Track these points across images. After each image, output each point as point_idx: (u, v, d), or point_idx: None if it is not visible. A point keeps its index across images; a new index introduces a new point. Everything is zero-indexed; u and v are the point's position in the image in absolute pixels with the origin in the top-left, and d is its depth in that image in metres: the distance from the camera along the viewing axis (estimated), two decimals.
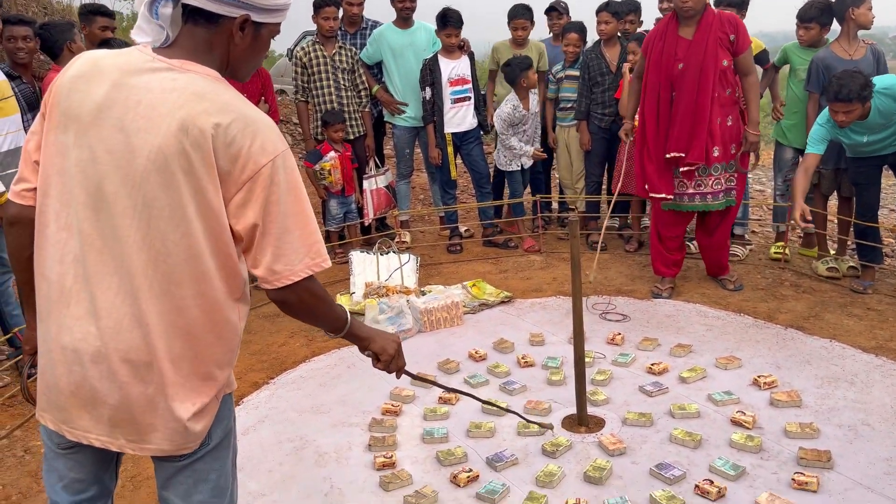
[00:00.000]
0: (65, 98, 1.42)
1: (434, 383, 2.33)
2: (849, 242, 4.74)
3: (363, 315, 4.07)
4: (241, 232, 1.42)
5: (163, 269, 1.40)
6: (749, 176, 5.02)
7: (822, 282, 4.49)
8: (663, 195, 4.24)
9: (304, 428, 3.10)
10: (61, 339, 1.45)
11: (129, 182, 1.38)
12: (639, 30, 5.53)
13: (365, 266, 4.49)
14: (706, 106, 4.03)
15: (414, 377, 2.01)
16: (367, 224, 5.61)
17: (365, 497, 2.61)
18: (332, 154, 5.26)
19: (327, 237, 5.52)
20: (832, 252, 4.78)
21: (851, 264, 4.53)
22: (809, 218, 4.04)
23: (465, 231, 5.87)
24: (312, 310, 1.54)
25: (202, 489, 1.57)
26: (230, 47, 1.48)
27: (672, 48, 4.10)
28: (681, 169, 4.16)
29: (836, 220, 4.75)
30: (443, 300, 4.17)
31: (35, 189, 1.47)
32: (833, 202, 5.05)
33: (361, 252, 4.59)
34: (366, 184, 5.43)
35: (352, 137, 5.43)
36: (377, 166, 5.55)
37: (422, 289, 4.49)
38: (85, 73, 1.43)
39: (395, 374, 1.83)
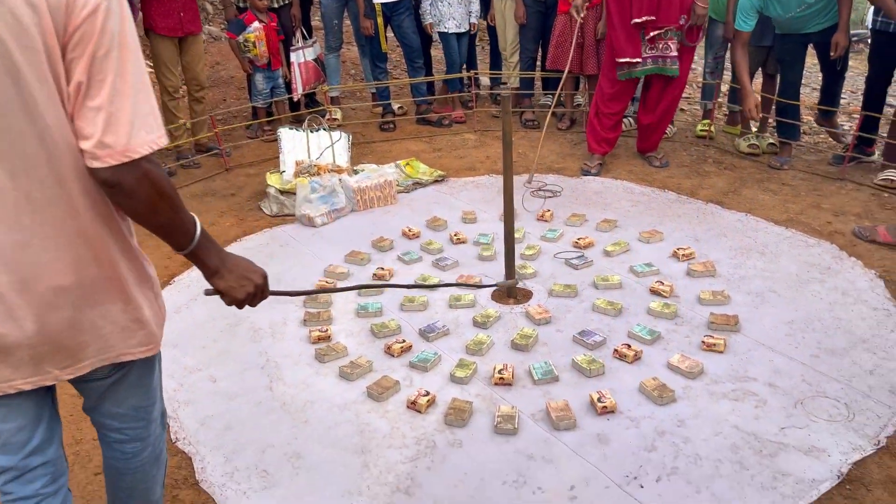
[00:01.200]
0: None
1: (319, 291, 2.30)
2: (770, 120, 4.88)
3: (294, 194, 4.02)
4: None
5: (34, 175, 1.20)
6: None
7: (743, 158, 4.65)
8: (629, 59, 4.21)
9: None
10: None
11: None
12: None
13: (294, 144, 4.38)
14: None
15: (286, 293, 1.88)
16: (295, 100, 5.43)
17: (301, 369, 2.69)
18: (256, 24, 4.99)
19: (254, 113, 5.34)
20: (754, 129, 4.92)
21: (771, 141, 4.69)
22: (759, 112, 4.19)
23: (398, 108, 5.76)
24: (153, 203, 1.25)
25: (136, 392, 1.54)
26: None
27: None
28: (648, 35, 4.12)
29: (759, 98, 4.86)
30: (376, 179, 4.15)
31: None
32: (758, 80, 5.14)
33: (290, 129, 4.47)
34: (293, 56, 5.21)
35: (276, 6, 5.14)
36: (304, 38, 5.30)
37: (354, 167, 4.44)
38: None
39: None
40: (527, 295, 3.13)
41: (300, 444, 2.30)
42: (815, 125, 5.17)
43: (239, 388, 2.60)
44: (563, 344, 2.77)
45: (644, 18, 4.10)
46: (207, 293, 1.52)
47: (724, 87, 5.27)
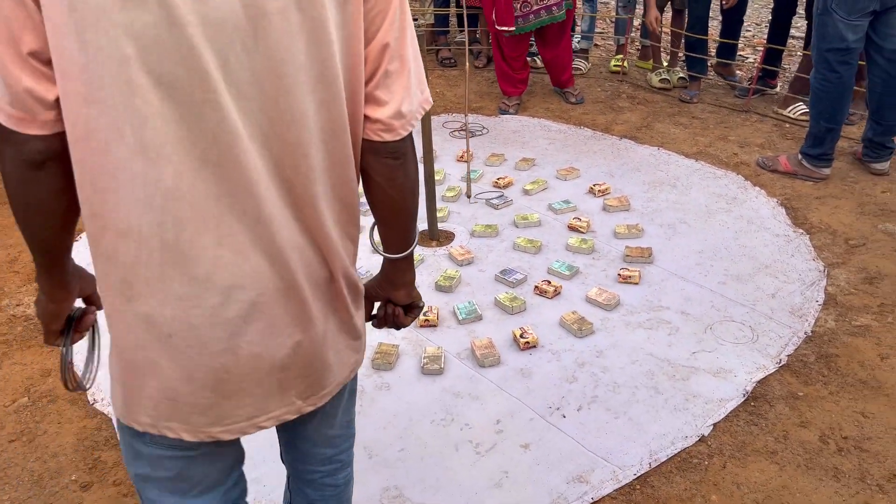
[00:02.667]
0: None
1: None
2: (679, 55, 4.98)
3: None
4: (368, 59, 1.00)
5: (318, 151, 0.98)
6: None
7: (655, 93, 4.75)
8: (507, 28, 4.20)
9: None
10: (182, 317, 0.95)
11: (235, 42, 0.87)
12: None
13: None
14: None
15: None
16: None
17: None
18: None
19: None
20: (665, 64, 5.02)
21: (681, 75, 4.80)
22: (661, 26, 4.27)
23: None
24: (415, 170, 1.11)
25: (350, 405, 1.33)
26: None
27: None
28: None
29: (669, 33, 4.94)
30: None
31: (57, 102, 0.87)
32: (668, 14, 5.21)
33: None
34: None
35: None
36: None
37: None
38: None
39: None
40: (449, 237, 3.15)
41: None
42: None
43: None
44: (486, 283, 2.81)
45: None
46: (376, 320, 1.27)
47: (637, 22, 5.32)
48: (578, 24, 5.49)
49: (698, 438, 2.07)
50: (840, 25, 3.18)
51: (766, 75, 4.53)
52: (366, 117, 1.03)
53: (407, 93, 1.03)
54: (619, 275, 2.78)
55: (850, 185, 3.45)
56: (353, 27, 0.95)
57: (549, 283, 2.73)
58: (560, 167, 3.69)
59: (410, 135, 1.06)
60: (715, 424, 2.11)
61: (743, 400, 2.20)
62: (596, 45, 5.77)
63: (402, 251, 1.18)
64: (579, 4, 5.17)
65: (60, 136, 0.89)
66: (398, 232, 1.16)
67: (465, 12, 3.46)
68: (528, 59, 4.75)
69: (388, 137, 1.04)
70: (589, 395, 2.23)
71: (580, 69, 5.09)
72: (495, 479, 1.96)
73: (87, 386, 1.22)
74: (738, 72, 4.86)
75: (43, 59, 0.84)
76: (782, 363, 2.34)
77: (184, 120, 0.86)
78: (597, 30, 6.06)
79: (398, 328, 1.26)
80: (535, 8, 4.19)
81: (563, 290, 2.73)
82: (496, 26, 4.27)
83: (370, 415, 2.19)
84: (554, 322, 2.56)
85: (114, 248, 0.92)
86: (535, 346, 2.43)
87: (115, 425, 1.05)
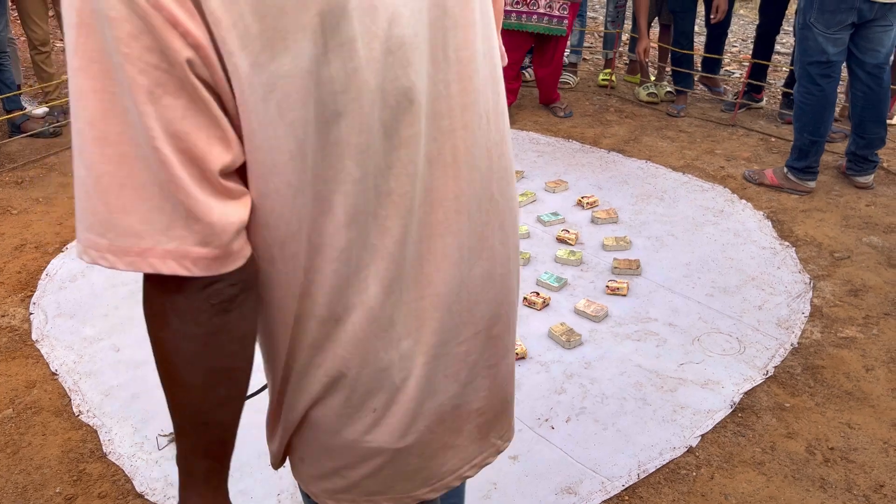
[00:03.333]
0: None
1: None
2: (666, 69, 5.03)
3: None
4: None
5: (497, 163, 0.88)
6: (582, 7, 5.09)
7: (643, 107, 4.79)
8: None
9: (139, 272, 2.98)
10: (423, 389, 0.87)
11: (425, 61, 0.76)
12: None
13: None
14: None
15: None
16: None
17: None
18: None
19: None
20: (652, 78, 5.06)
21: (668, 89, 4.85)
22: (650, 56, 4.34)
23: None
24: None
25: None
26: None
27: None
28: None
29: (649, 42, 5.00)
30: None
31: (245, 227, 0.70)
32: (655, 30, 5.27)
33: None
34: None
35: None
36: None
37: None
38: None
39: None
40: None
41: None
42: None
43: (144, 355, 2.50)
44: None
45: None
46: None
47: (625, 37, 5.37)
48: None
49: (686, 449, 2.08)
50: (820, 39, 3.23)
51: (752, 89, 4.59)
52: None
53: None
54: (607, 287, 2.79)
55: (835, 198, 3.49)
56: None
57: (538, 294, 2.74)
58: (549, 179, 3.71)
59: None
60: (703, 435, 2.12)
61: (730, 411, 2.20)
62: (584, 59, 5.82)
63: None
64: None
65: (252, 260, 0.72)
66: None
67: None
68: (522, 70, 4.79)
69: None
70: (577, 406, 2.24)
71: (568, 83, 5.12)
72: (484, 490, 1.95)
73: None
74: (724, 86, 4.92)
75: (231, 175, 0.68)
76: (769, 374, 2.35)
77: (392, 170, 0.76)
78: (585, 44, 6.12)
79: None
80: (538, 10, 4.22)
81: (551, 302, 2.73)
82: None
83: None
84: (542, 333, 2.56)
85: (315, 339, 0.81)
86: (523, 358, 2.43)
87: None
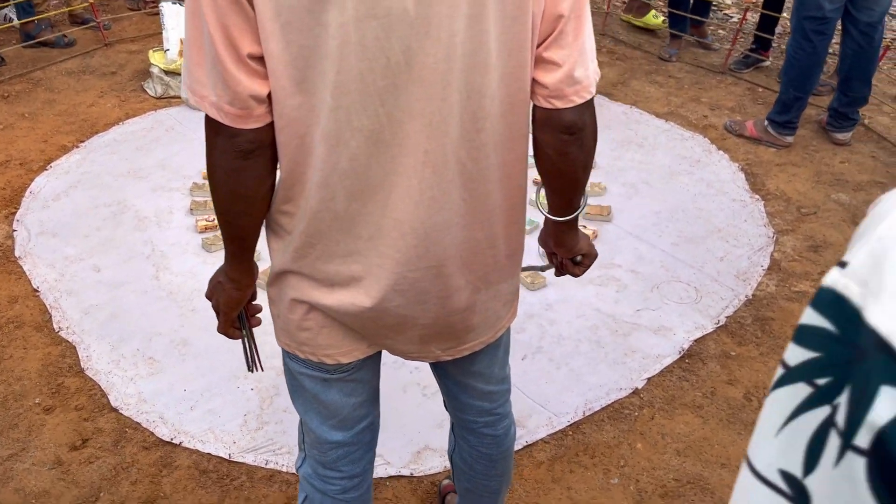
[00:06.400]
0: None
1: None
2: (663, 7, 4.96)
3: (179, 75, 3.85)
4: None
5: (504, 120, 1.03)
6: None
7: (635, 49, 4.75)
8: None
9: (122, 192, 3.05)
10: (346, 271, 1.08)
11: (425, 33, 0.92)
12: None
13: (179, 19, 4.13)
14: None
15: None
16: None
17: (188, 258, 2.70)
18: None
19: None
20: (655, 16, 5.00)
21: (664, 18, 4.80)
22: None
23: None
24: (593, 143, 1.10)
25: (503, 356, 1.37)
26: None
27: None
28: None
29: None
30: None
31: (268, 97, 0.96)
32: None
33: (174, 4, 4.20)
34: None
35: None
36: None
37: None
38: None
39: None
40: None
41: (187, 331, 2.36)
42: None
43: (124, 277, 2.60)
44: None
45: None
46: (556, 261, 1.31)
47: None
48: None
49: (632, 391, 2.20)
50: None
51: (760, 46, 4.50)
52: (535, 82, 1.02)
53: (582, 57, 1.00)
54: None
55: (811, 153, 3.54)
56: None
57: None
58: None
59: (590, 104, 1.04)
60: (649, 379, 2.25)
61: (678, 357, 2.33)
62: None
63: (565, 216, 1.19)
64: None
65: (269, 127, 0.99)
66: (564, 199, 1.17)
67: None
68: None
69: (559, 105, 1.02)
70: (534, 345, 2.35)
71: None
72: (438, 419, 2.08)
73: (262, 368, 1.32)
74: (712, 37, 4.85)
75: (258, 59, 0.93)
76: (720, 324, 2.46)
77: (364, 108, 0.95)
78: None
79: (574, 276, 1.32)
80: None
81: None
82: None
83: None
84: None
85: (293, 222, 1.07)
86: None
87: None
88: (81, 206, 2.97)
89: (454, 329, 1.18)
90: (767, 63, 4.54)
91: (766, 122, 3.58)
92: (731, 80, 4.35)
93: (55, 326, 2.38)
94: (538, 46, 1.01)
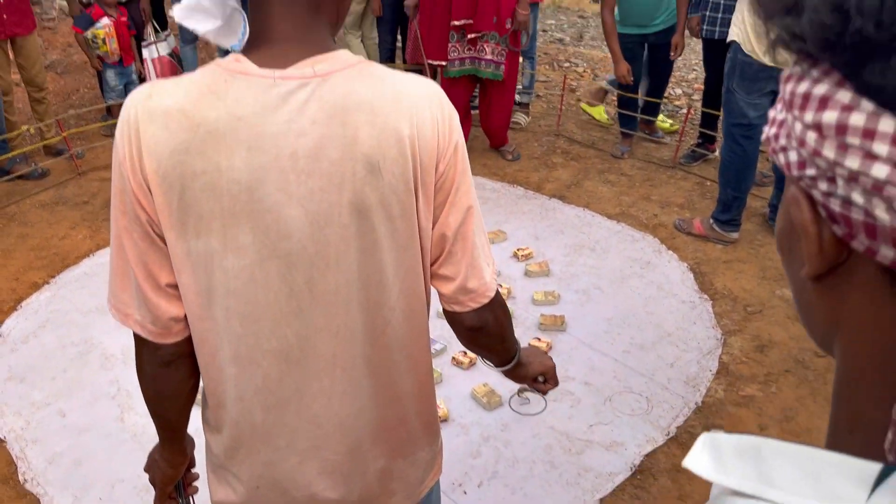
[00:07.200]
0: (177, 189, 0.96)
1: None
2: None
3: None
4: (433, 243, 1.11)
5: (382, 342, 1.13)
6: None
7: (588, 147, 4.98)
8: (438, 62, 4.45)
9: (89, 330, 3.13)
10: (268, 475, 1.17)
11: (325, 265, 1.02)
12: None
13: None
14: None
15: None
16: None
17: None
18: (105, 21, 4.81)
19: (109, 112, 5.19)
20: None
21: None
22: (630, 76, 4.51)
23: None
24: (502, 331, 1.21)
25: None
26: None
27: None
28: (468, 35, 4.33)
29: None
30: None
31: (185, 317, 1.08)
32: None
33: None
34: (145, 52, 5.07)
35: (124, 0, 4.98)
36: (156, 31, 5.16)
37: None
38: (189, 143, 0.95)
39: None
40: None
41: None
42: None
43: (89, 420, 2.65)
44: None
45: (462, 21, 4.30)
46: (522, 393, 1.47)
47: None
48: (519, 80, 5.71)
49: None
50: (742, 103, 3.43)
51: (706, 140, 4.73)
52: (439, 291, 1.15)
53: (473, 270, 1.11)
54: (530, 344, 2.97)
55: (757, 248, 3.69)
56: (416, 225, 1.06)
57: (466, 353, 2.91)
58: (489, 230, 3.89)
59: (491, 303, 1.14)
60: (601, 499, 2.30)
61: (630, 474, 2.39)
62: (538, 95, 6.01)
63: (503, 367, 1.33)
64: (520, 59, 5.40)
65: (188, 340, 1.11)
66: (493, 360, 1.31)
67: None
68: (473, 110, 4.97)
69: (458, 309, 1.14)
70: (490, 470, 2.41)
71: (520, 123, 5.31)
72: None
73: None
74: (660, 131, 5.09)
75: (175, 287, 1.06)
76: (671, 435, 2.54)
77: (272, 332, 1.05)
78: (542, 78, 6.31)
79: (544, 393, 1.47)
80: (463, 55, 4.42)
81: (478, 361, 2.91)
82: (427, 60, 4.49)
83: None
84: (466, 394, 2.74)
85: (219, 424, 1.17)
86: (445, 420, 2.60)
87: None
88: (49, 346, 3.04)
89: (375, 498, 1.25)
90: (715, 155, 4.76)
91: (711, 221, 3.75)
92: (680, 174, 4.56)
93: (20, 478, 2.42)
94: (432, 265, 1.12)
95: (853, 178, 0.40)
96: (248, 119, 0.95)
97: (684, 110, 5.63)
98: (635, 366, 2.87)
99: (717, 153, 4.74)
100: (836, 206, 0.42)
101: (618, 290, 3.37)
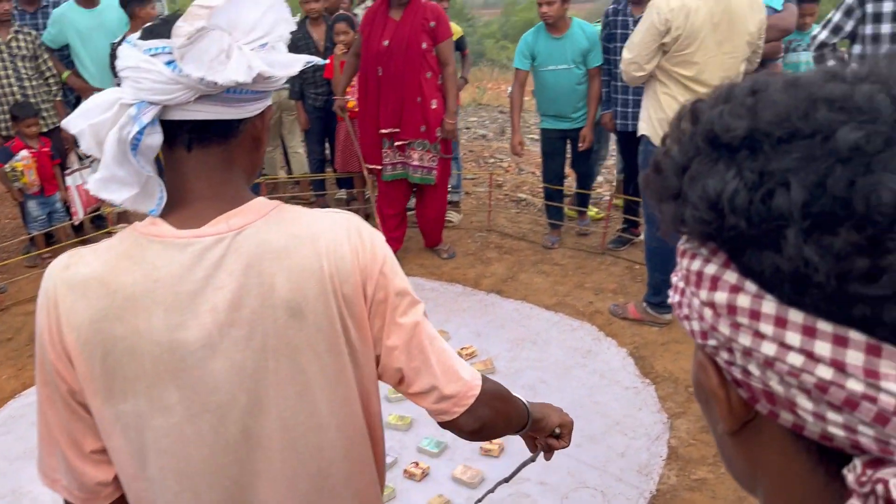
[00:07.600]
0: (98, 355, 0.97)
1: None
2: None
3: None
4: (387, 370, 1.12)
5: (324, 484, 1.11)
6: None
7: (520, 240, 5.11)
8: (374, 166, 4.59)
9: (17, 478, 2.95)
10: None
11: (258, 412, 1.02)
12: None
13: None
14: (412, 83, 4.34)
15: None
16: (76, 224, 5.22)
17: None
18: (24, 153, 4.77)
19: (33, 242, 5.07)
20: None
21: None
22: (524, 150, 4.71)
23: None
24: (505, 414, 1.23)
25: None
26: (255, 148, 1.06)
27: (380, 28, 4.34)
28: (396, 143, 4.47)
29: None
30: None
31: (115, 480, 1.06)
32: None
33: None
34: (69, 180, 5.02)
35: (46, 130, 4.96)
36: (80, 159, 5.14)
37: None
38: (107, 310, 0.96)
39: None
40: None
41: None
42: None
43: None
44: None
45: (389, 130, 4.47)
46: (541, 444, 1.46)
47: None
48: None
49: None
50: None
51: (630, 224, 4.93)
52: (424, 408, 1.15)
53: (446, 376, 1.11)
54: (480, 448, 2.94)
55: None
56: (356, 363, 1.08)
57: (418, 464, 2.85)
58: None
59: (479, 400, 1.13)
60: None
61: None
62: (467, 193, 6.18)
63: (521, 431, 1.33)
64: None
65: (120, 500, 1.08)
66: (510, 434, 1.31)
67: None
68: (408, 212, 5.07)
69: (448, 418, 1.13)
70: None
71: (452, 221, 5.42)
72: None
73: None
74: (588, 219, 5.29)
75: (102, 452, 1.04)
76: None
77: (211, 485, 1.03)
78: (470, 176, 6.51)
79: (561, 448, 1.48)
80: (412, 162, 4.54)
81: (430, 471, 2.85)
82: (365, 164, 4.61)
83: None
84: None
85: None
86: None
87: None
88: None
89: None
90: (640, 238, 4.95)
91: (644, 304, 3.86)
92: (610, 259, 4.71)
93: None
94: (401, 387, 1.13)
95: (748, 353, 0.44)
96: (165, 280, 0.97)
97: (607, 197, 5.88)
98: (588, 459, 2.87)
99: (641, 236, 4.95)
100: (737, 374, 0.46)
101: (563, 382, 3.40)
